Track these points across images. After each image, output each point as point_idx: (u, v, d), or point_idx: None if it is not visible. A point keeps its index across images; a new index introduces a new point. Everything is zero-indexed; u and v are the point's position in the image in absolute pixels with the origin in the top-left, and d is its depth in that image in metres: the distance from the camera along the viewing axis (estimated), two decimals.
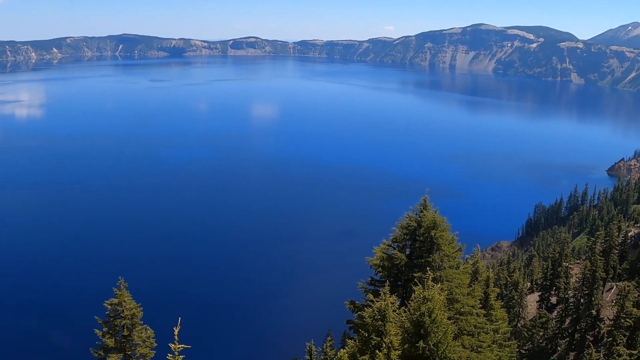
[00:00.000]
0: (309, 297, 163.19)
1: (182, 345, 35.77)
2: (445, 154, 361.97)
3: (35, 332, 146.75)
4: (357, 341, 42.83)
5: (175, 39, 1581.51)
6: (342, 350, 38.19)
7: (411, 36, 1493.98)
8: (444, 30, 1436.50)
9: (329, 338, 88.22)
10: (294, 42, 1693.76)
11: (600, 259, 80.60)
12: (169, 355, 35.60)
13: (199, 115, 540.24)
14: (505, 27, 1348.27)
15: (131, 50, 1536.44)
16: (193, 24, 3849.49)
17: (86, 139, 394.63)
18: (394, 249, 56.46)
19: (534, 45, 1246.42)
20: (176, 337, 33.93)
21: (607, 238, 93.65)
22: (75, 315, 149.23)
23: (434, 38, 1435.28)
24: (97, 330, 60.08)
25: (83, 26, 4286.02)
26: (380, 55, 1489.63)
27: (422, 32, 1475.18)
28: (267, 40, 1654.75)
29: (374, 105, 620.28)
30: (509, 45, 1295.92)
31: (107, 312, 58.73)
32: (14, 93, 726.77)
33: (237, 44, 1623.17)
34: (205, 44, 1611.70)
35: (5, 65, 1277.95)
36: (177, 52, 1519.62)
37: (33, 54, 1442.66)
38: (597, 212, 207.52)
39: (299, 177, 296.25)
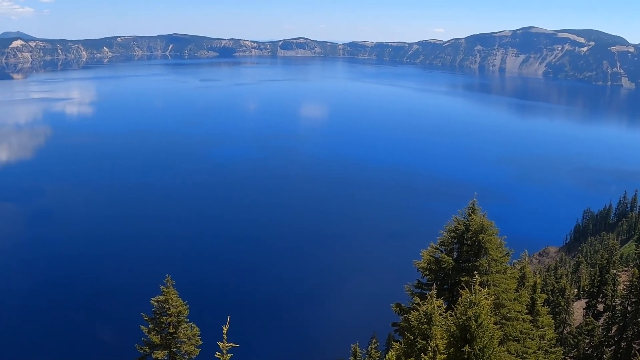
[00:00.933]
0: (355, 299, 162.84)
1: (231, 344, 35.95)
2: (494, 157, 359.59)
3: (82, 327, 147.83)
4: (403, 344, 42.85)
5: (225, 39, 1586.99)
6: (390, 352, 38.08)
7: (461, 39, 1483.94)
8: (494, 33, 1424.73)
9: (374, 340, 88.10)
10: (343, 44, 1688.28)
11: None
12: (217, 353, 35.81)
13: (247, 114, 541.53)
14: (555, 31, 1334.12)
15: (181, 50, 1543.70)
16: (243, 25, 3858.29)
17: (135, 137, 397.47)
18: (442, 252, 56.39)
19: (585, 49, 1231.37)
20: (225, 335, 34.12)
21: None
22: (121, 312, 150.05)
23: (484, 41, 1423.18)
24: (143, 327, 60.72)
25: (134, 26, 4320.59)
26: (430, 57, 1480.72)
27: (472, 35, 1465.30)
28: (316, 41, 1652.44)
29: (423, 108, 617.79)
30: (560, 48, 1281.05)
31: (153, 309, 59.56)
32: (64, 91, 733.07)
33: (286, 44, 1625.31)
34: (255, 44, 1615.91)
35: (57, 64, 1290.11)
36: (227, 52, 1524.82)
37: (84, 52, 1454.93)
38: None
39: (347, 178, 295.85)
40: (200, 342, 62.85)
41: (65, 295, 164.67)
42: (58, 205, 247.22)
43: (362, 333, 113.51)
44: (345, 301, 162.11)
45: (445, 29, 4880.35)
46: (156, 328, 62.30)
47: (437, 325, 37.78)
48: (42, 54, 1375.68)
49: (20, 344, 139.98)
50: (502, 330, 46.16)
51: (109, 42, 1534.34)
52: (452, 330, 36.00)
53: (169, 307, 60.94)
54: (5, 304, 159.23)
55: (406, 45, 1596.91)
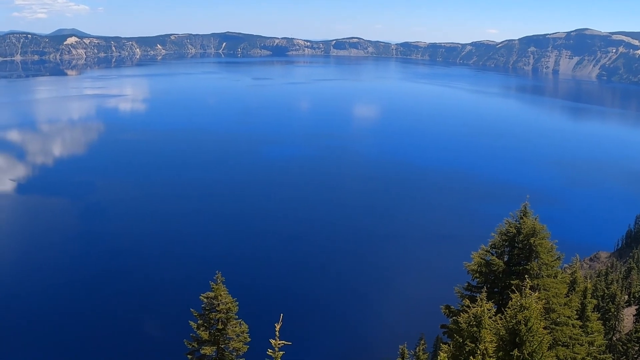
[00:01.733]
0: (403, 299, 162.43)
1: (283, 342, 36.18)
2: (547, 159, 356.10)
3: (132, 321, 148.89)
4: (451, 346, 42.73)
5: (278, 38, 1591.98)
6: (439, 354, 38.02)
7: (514, 40, 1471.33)
8: (548, 34, 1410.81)
9: (422, 342, 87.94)
10: (396, 44, 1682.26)
11: None
12: (270, 350, 36.04)
13: (299, 113, 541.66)
14: (610, 33, 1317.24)
15: (234, 48, 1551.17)
16: (296, 24, 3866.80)
17: (188, 134, 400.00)
18: (492, 255, 56.25)
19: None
20: (277, 333, 34.35)
21: None
22: (170, 307, 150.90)
23: (538, 42, 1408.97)
24: (192, 323, 61.63)
25: (187, 24, 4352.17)
26: (483, 58, 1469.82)
27: (526, 36, 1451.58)
28: (369, 41, 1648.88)
29: (475, 109, 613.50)
30: (614, 51, 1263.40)
31: (203, 305, 60.85)
32: (118, 87, 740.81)
33: (339, 44, 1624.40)
34: (308, 43, 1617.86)
35: (110, 61, 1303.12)
36: (280, 50, 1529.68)
37: (137, 50, 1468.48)
38: None
39: (398, 178, 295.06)
40: (249, 339, 63.40)
41: (115, 290, 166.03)
42: (110, 200, 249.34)
43: (410, 334, 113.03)
44: (394, 301, 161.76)
45: (499, 30, 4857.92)
46: (205, 324, 63.09)
47: (486, 329, 37.68)
48: (96, 50, 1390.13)
49: (70, 337, 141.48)
50: (551, 335, 45.97)
51: (162, 39, 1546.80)
52: (501, 333, 35.97)
53: (219, 304, 61.63)
54: (56, 297, 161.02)
55: (459, 46, 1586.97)
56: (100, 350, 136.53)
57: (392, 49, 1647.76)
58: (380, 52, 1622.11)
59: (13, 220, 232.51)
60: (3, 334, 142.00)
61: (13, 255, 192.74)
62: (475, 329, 38.04)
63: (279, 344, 38.43)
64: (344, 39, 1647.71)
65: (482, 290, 47.51)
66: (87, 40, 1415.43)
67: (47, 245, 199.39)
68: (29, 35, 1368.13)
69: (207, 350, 62.83)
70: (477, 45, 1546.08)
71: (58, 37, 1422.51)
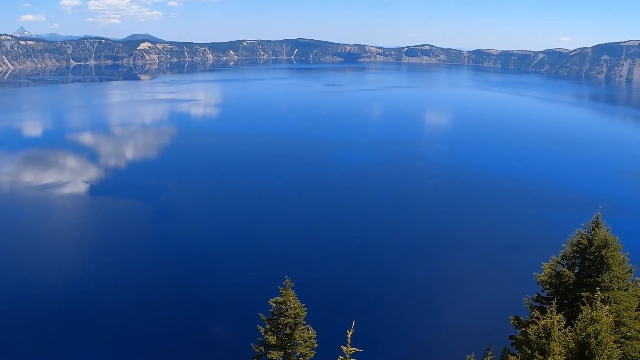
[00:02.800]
0: (471, 308, 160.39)
1: (354, 349, 36.10)
2: (620, 169, 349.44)
3: (199, 323, 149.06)
4: (519, 358, 42.27)
5: (350, 45, 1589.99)
6: None
7: (587, 48, 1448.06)
8: (621, 42, 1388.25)
9: (490, 352, 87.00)
10: (468, 51, 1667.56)
11: None
12: (340, 357, 36.06)
13: (370, 119, 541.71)
14: None
15: (306, 55, 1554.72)
16: (368, 30, 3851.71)
17: (259, 139, 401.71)
18: (563, 266, 55.57)
19: None
20: (349, 339, 34.27)
21: None
22: (239, 311, 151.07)
23: (611, 50, 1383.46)
24: (260, 327, 61.73)
25: (260, 30, 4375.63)
26: (555, 66, 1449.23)
27: (599, 44, 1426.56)
28: (441, 49, 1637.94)
29: (546, 117, 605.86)
30: None
31: (271, 310, 61.42)
32: (190, 92, 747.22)
33: (411, 51, 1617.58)
34: (380, 50, 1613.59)
35: (183, 66, 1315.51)
36: (352, 57, 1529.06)
37: (210, 55, 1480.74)
38: None
39: (466, 185, 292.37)
40: (316, 345, 63.57)
41: (184, 292, 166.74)
42: (181, 203, 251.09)
43: (477, 344, 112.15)
44: (462, 310, 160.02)
45: (572, 37, 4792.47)
46: (273, 329, 63.59)
47: (555, 341, 37.13)
48: (169, 56, 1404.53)
49: (137, 337, 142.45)
50: (620, 350, 45.08)
51: (234, 45, 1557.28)
52: (570, 346, 35.36)
53: (287, 309, 62.06)
54: (126, 297, 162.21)
55: (531, 54, 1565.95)
56: (168, 351, 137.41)
57: (464, 57, 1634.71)
58: (452, 59, 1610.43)
59: (85, 221, 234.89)
60: (76, 331, 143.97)
61: (84, 256, 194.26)
62: (544, 341, 37.53)
63: (350, 350, 38.42)
64: (415, 46, 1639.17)
65: (552, 301, 46.88)
66: (160, 46, 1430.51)
67: (118, 246, 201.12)
68: (103, 40, 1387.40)
69: (274, 354, 63.72)
70: (549, 53, 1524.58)
71: (131, 42, 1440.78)
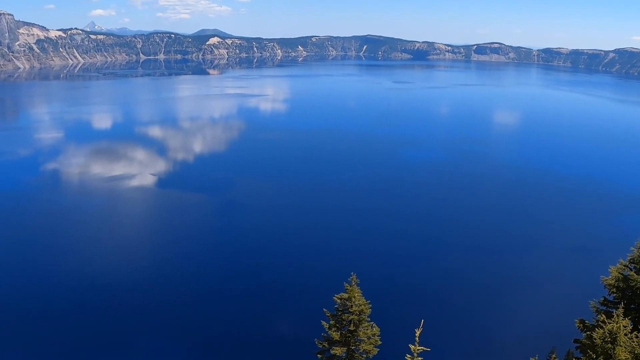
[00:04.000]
0: (535, 309, 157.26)
1: (422, 348, 35.80)
2: None
3: (263, 316, 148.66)
4: None
5: (419, 42, 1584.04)
6: None
7: None
8: None
9: (553, 355, 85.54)
10: (538, 50, 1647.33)
11: None
12: (408, 356, 35.88)
13: (438, 117, 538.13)
14: None
15: (375, 51, 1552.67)
16: (437, 28, 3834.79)
17: (327, 134, 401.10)
18: (631, 270, 54.18)
19: None
20: (417, 338, 34.03)
21: None
22: (303, 305, 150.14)
23: None
24: (324, 323, 62.31)
25: (328, 26, 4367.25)
26: (626, 66, 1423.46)
27: None
28: (510, 47, 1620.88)
29: (617, 118, 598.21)
30: None
31: (336, 306, 61.58)
32: (259, 87, 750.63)
33: (480, 49, 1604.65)
34: (449, 47, 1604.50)
35: (252, 61, 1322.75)
36: (421, 54, 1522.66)
37: (279, 51, 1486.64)
38: None
39: (534, 185, 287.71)
40: (380, 342, 63.22)
41: (249, 285, 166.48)
42: (247, 197, 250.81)
43: (541, 346, 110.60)
44: (526, 311, 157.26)
45: None
46: (337, 325, 63.32)
47: (621, 346, 36.20)
48: (237, 51, 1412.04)
49: (201, 329, 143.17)
50: None
51: (303, 41, 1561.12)
52: (636, 352, 34.77)
53: (352, 305, 61.76)
54: (191, 290, 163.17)
55: (602, 53, 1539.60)
56: (231, 344, 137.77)
57: (534, 55, 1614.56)
58: (522, 57, 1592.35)
59: (152, 213, 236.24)
60: (142, 321, 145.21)
61: (150, 247, 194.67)
62: (609, 345, 36.57)
63: (418, 349, 38.16)
64: (485, 44, 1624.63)
65: (619, 306, 45.96)
66: (229, 41, 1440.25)
67: (184, 238, 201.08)
68: (172, 35, 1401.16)
69: (338, 350, 63.69)
70: (620, 52, 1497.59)
71: (200, 37, 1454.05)
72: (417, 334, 33.79)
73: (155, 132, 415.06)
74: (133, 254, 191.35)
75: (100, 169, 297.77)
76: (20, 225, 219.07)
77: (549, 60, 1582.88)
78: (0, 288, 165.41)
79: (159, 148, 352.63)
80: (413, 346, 35.57)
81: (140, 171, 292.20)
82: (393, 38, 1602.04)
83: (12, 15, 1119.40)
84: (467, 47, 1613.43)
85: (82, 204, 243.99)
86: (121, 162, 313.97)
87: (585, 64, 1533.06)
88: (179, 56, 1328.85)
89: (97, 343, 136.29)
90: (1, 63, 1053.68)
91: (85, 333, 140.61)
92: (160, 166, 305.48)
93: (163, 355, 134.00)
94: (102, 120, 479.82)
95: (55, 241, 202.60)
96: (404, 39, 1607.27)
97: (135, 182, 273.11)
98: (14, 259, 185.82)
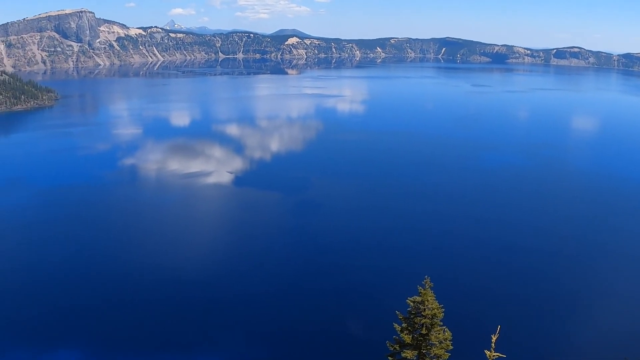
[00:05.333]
0: (610, 318, 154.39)
1: (498, 354, 33.91)
2: None
3: (335, 315, 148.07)
4: None
5: (498, 45, 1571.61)
6: None
7: None
8: None
9: None
10: (618, 55, 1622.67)
11: None
12: None
13: (517, 121, 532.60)
14: None
15: (453, 54, 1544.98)
16: (516, 31, 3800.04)
17: (404, 136, 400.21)
18: None
19: None
20: (493, 344, 32.12)
21: None
22: (376, 307, 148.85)
23: None
24: (396, 325, 60.93)
25: (408, 28, 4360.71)
26: None
27: None
28: (590, 51, 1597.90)
29: None
30: None
31: (408, 309, 60.32)
32: (337, 88, 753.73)
33: (560, 53, 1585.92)
34: (528, 51, 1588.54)
35: (330, 62, 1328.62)
36: (499, 58, 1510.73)
37: (357, 52, 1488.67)
38: None
39: (612, 192, 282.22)
40: (451, 347, 62.49)
41: (322, 283, 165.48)
42: (322, 197, 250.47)
43: (611, 357, 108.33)
44: (601, 320, 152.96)
45: None
46: (409, 328, 62.56)
47: None
48: (316, 51, 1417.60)
49: (272, 326, 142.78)
50: None
51: (382, 42, 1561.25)
52: None
53: (425, 309, 60.86)
54: (264, 286, 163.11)
55: None
56: (301, 341, 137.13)
57: (614, 60, 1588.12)
58: (602, 62, 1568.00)
59: (227, 210, 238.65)
60: (214, 316, 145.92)
61: (224, 243, 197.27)
62: None
63: (493, 355, 36.30)
64: (564, 48, 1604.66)
65: None
66: (307, 41, 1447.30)
67: (259, 237, 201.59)
68: (251, 35, 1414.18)
69: (409, 353, 62.83)
70: None
71: (279, 37, 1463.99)
72: (494, 340, 32.09)
73: (233, 130, 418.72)
74: (208, 250, 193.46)
75: (177, 166, 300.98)
76: (97, 218, 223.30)
77: (630, 65, 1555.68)
78: (77, 279, 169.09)
79: (236, 146, 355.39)
80: (489, 352, 33.77)
81: (217, 169, 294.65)
82: (472, 41, 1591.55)
83: (93, 13, 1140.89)
84: (547, 51, 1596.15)
85: (158, 200, 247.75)
86: (198, 160, 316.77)
87: None
88: (257, 55, 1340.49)
89: (171, 335, 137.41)
90: (82, 60, 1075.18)
91: (158, 325, 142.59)
92: (237, 164, 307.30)
93: (236, 349, 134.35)
94: (180, 118, 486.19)
95: (130, 235, 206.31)
96: (482, 41, 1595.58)
97: (211, 180, 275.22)
98: (91, 252, 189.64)
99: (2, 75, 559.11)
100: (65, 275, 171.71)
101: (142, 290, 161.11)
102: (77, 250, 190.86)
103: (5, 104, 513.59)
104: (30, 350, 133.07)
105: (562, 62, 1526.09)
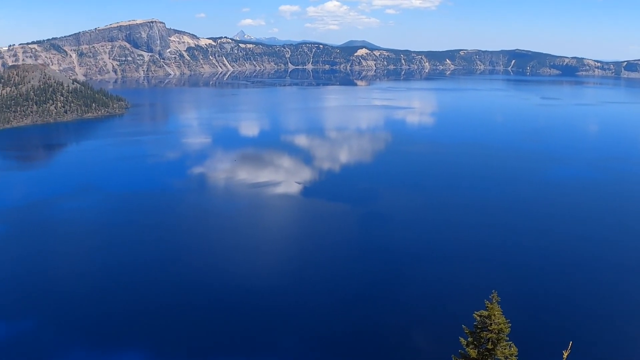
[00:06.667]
0: None
1: None
2: None
3: (399, 325, 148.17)
4: None
5: (567, 57, 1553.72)
6: None
7: None
8: None
9: None
10: None
11: None
12: None
13: (587, 134, 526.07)
14: None
15: (523, 66, 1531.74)
16: (586, 43, 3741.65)
17: (472, 148, 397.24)
18: None
19: None
20: None
21: None
22: (440, 319, 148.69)
23: None
24: (462, 339, 60.77)
25: (477, 40, 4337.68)
26: None
27: None
28: None
29: None
30: None
31: (475, 323, 59.88)
32: (406, 100, 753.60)
33: (631, 65, 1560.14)
34: (598, 63, 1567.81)
35: (399, 73, 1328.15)
36: (569, 70, 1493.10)
37: (427, 64, 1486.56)
38: None
39: None
40: None
41: (386, 292, 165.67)
42: (390, 209, 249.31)
43: None
44: None
45: None
46: (475, 342, 62.20)
47: None
48: (385, 63, 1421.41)
49: (334, 334, 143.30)
50: None
51: (451, 54, 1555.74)
52: None
53: (491, 323, 60.52)
54: (328, 295, 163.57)
55: None
56: (365, 350, 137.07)
57: None
58: None
59: (295, 220, 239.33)
60: (278, 323, 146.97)
61: (291, 254, 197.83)
62: None
63: None
64: (635, 60, 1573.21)
65: None
66: (377, 53, 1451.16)
67: (325, 246, 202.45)
68: (321, 46, 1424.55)
69: None
70: None
71: (348, 49, 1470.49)
72: (565, 356, 32.34)
73: (302, 141, 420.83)
74: (273, 258, 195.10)
75: (246, 175, 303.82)
76: (165, 224, 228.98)
77: None
78: (145, 283, 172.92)
79: (304, 157, 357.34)
80: None
81: (285, 179, 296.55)
82: (541, 53, 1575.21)
83: (164, 23, 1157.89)
84: (617, 64, 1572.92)
85: (226, 208, 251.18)
86: (267, 169, 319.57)
87: None
88: (326, 66, 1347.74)
89: (236, 340, 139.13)
90: (152, 69, 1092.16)
91: (222, 329, 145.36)
92: (305, 175, 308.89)
93: (298, 356, 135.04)
94: (249, 128, 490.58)
95: (197, 241, 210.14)
96: (552, 54, 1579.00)
97: (280, 189, 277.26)
98: (158, 256, 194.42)
99: (74, 84, 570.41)
100: (133, 279, 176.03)
101: (207, 294, 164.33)
102: (145, 254, 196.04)
103: (77, 111, 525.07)
104: (99, 349, 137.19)
105: (633, 74, 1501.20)
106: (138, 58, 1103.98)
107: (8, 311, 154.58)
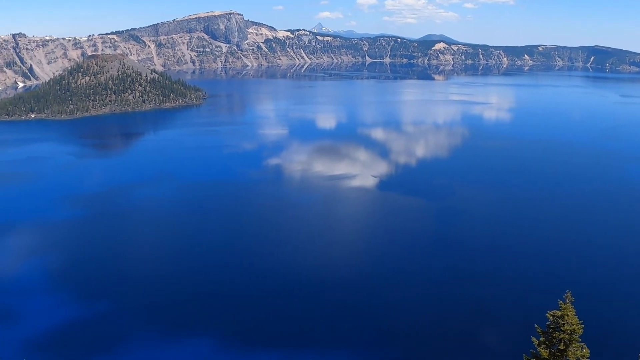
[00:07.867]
0: None
1: None
2: None
3: (469, 323, 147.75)
4: None
5: None
6: None
7: None
8: None
9: None
10: None
11: None
12: None
13: None
14: None
15: (602, 63, 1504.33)
16: None
17: (548, 145, 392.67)
18: None
19: None
20: None
21: None
22: (512, 318, 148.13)
23: None
24: (534, 339, 61.01)
25: (556, 35, 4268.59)
26: None
27: None
28: None
29: None
30: None
31: (547, 323, 60.12)
32: (483, 95, 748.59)
33: None
34: None
35: (477, 68, 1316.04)
36: None
37: (505, 59, 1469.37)
38: None
39: None
40: None
41: (461, 290, 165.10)
42: (465, 204, 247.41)
43: None
44: None
45: None
46: (547, 342, 62.51)
47: None
48: (463, 57, 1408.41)
49: (407, 330, 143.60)
50: None
51: (530, 50, 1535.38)
52: None
53: (564, 324, 60.66)
54: (400, 291, 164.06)
55: None
56: (432, 348, 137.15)
57: None
58: None
59: (369, 214, 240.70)
60: (346, 316, 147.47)
61: (364, 247, 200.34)
62: None
63: None
64: None
65: None
66: (455, 47, 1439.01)
67: (399, 241, 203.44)
68: (398, 39, 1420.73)
69: None
70: None
71: (426, 42, 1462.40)
72: None
73: (378, 134, 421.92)
74: (346, 250, 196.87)
75: (321, 167, 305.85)
76: (239, 213, 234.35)
77: None
78: (216, 269, 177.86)
79: (381, 150, 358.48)
80: None
81: (361, 172, 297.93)
82: (621, 50, 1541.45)
83: (242, 15, 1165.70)
84: None
85: (301, 199, 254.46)
86: (343, 162, 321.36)
87: None
88: (404, 60, 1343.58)
89: (304, 330, 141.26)
90: (230, 60, 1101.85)
91: (291, 319, 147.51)
92: (382, 168, 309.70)
93: (367, 350, 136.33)
94: (326, 120, 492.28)
95: (270, 231, 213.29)
96: (633, 50, 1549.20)
97: (355, 182, 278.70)
98: (231, 244, 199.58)
99: (152, 74, 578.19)
100: (206, 265, 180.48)
101: (277, 284, 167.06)
102: (218, 242, 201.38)
103: (155, 101, 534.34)
104: (171, 332, 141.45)
105: None
106: (216, 49, 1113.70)
107: (86, 292, 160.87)
